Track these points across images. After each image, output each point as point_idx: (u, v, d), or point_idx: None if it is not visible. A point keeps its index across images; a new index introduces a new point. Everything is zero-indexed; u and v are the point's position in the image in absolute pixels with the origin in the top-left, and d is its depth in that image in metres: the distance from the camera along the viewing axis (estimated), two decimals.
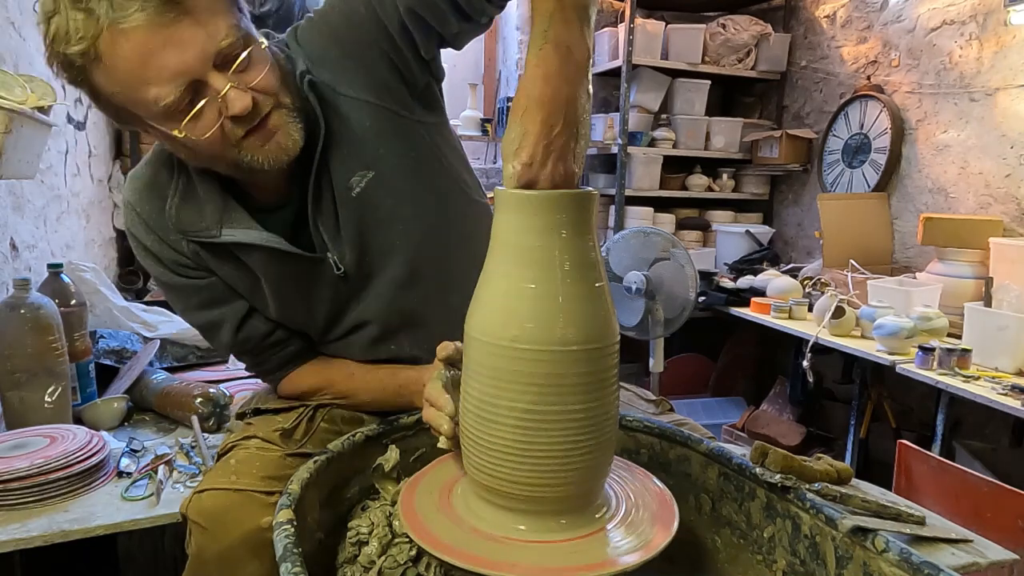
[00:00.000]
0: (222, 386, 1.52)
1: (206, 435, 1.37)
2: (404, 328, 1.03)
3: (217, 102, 0.80)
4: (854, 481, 1.10)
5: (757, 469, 0.83)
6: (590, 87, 0.69)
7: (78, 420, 1.40)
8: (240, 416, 1.10)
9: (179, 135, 0.82)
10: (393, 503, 0.82)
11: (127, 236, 1.02)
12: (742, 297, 2.97)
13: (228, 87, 0.79)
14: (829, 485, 0.99)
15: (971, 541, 1.00)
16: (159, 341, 1.86)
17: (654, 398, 1.23)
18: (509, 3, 0.94)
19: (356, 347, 1.05)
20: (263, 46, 0.85)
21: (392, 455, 0.86)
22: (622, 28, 3.38)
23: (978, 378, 1.97)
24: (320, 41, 0.94)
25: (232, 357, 1.15)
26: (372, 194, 0.95)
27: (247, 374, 1.83)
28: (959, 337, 2.18)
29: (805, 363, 2.47)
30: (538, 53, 0.66)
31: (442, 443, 0.80)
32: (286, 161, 0.87)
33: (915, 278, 2.66)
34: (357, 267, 0.98)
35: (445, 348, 0.84)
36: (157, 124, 0.82)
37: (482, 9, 0.90)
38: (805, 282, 2.99)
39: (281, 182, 0.96)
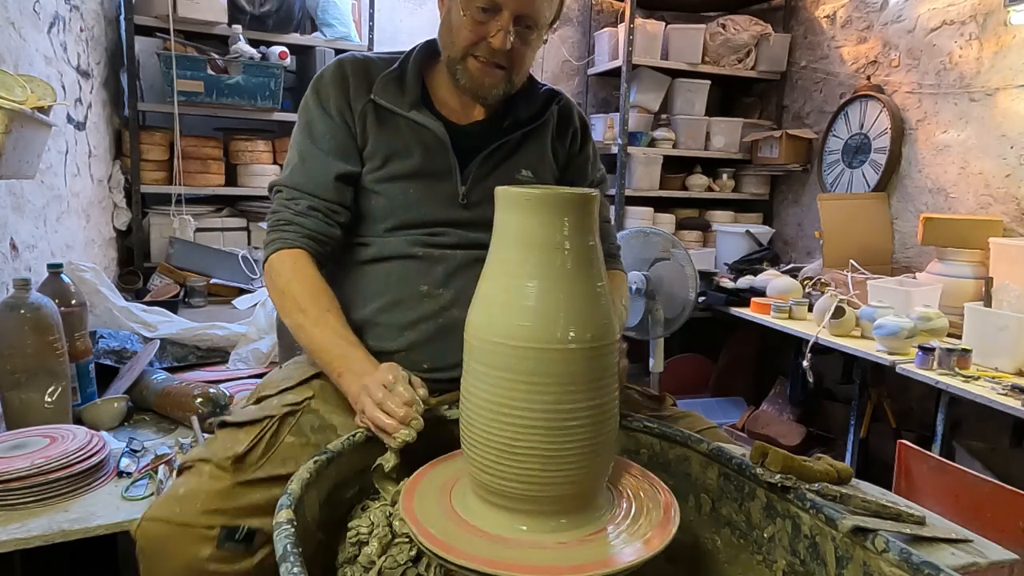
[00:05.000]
0: (222, 386, 1.52)
1: (206, 435, 1.37)
2: (453, 292, 1.15)
3: (491, 26, 1.07)
4: (854, 481, 1.10)
5: (757, 469, 0.83)
6: None
7: (78, 420, 1.40)
8: (222, 424, 1.06)
9: (463, 13, 1.08)
10: (393, 503, 0.82)
11: (315, 79, 1.20)
12: (742, 297, 2.96)
13: (503, 28, 1.07)
14: (829, 485, 0.99)
15: (971, 541, 0.99)
16: (159, 341, 1.86)
17: (656, 394, 1.23)
18: None
19: (402, 266, 1.16)
20: (545, 41, 1.17)
21: (392, 455, 0.85)
22: (622, 28, 3.38)
23: (978, 378, 1.97)
24: (583, 127, 1.33)
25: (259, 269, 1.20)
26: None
27: (247, 374, 1.84)
28: (959, 337, 2.18)
29: (805, 363, 2.46)
30: None
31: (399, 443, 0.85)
32: (473, 96, 1.16)
33: (915, 278, 2.66)
34: (478, 206, 1.17)
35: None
36: None
37: None
38: (805, 282, 2.99)
39: (474, 110, 1.22)
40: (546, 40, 1.18)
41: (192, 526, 0.88)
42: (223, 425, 1.02)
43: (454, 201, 1.18)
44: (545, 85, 1.29)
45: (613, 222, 3.47)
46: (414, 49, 1.21)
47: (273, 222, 1.17)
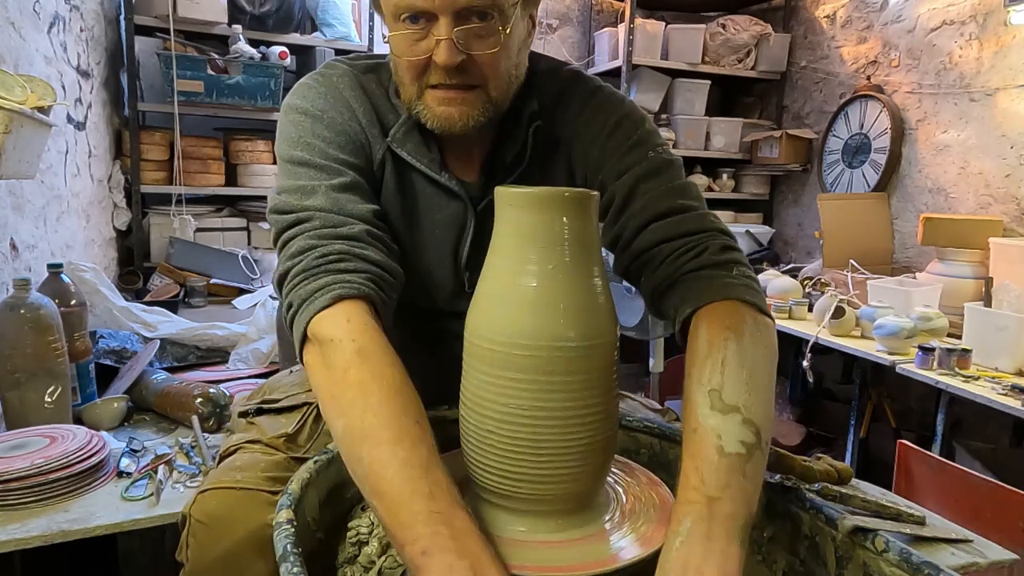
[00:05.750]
0: (222, 386, 1.52)
1: (206, 435, 1.37)
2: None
3: (431, 41, 0.81)
4: (854, 481, 1.10)
5: None
6: None
7: (78, 420, 1.40)
8: (243, 414, 1.09)
9: (389, 35, 0.84)
10: None
11: (303, 110, 0.90)
12: None
13: (446, 37, 0.79)
14: (829, 485, 0.99)
15: (971, 541, 1.00)
16: (159, 341, 1.86)
17: (659, 407, 1.21)
18: None
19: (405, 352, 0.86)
20: (508, 32, 0.82)
21: None
22: (622, 28, 3.39)
23: (978, 378, 1.97)
24: (588, 123, 0.95)
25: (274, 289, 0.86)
26: None
27: (247, 374, 1.84)
28: (959, 337, 2.18)
29: (805, 363, 2.46)
30: None
31: None
32: (447, 132, 0.86)
33: (915, 278, 2.66)
34: None
35: None
36: (386, 12, 0.83)
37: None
38: (805, 282, 2.99)
39: (471, 169, 0.96)
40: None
41: (258, 490, 0.85)
42: (259, 412, 1.02)
43: (460, 289, 0.95)
44: (533, 104, 0.94)
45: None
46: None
47: (318, 263, 0.77)
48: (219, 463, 0.96)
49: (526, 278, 0.69)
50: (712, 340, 0.73)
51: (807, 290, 2.93)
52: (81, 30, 2.40)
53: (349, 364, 0.70)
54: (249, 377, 1.82)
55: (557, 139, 0.96)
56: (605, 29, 3.59)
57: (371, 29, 3.22)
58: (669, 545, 0.62)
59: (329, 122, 0.89)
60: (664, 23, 3.50)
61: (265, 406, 1.05)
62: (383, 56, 0.97)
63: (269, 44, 2.98)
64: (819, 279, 2.94)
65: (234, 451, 0.96)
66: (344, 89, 0.92)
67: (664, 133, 3.54)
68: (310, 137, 0.88)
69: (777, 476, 0.81)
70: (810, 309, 2.69)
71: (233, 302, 2.72)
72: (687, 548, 0.60)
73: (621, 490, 0.79)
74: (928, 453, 1.71)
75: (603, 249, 0.82)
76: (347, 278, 0.76)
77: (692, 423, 0.68)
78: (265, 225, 3.03)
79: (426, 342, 0.96)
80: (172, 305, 2.48)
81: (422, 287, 0.95)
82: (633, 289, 2.58)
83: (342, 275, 0.76)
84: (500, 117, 0.90)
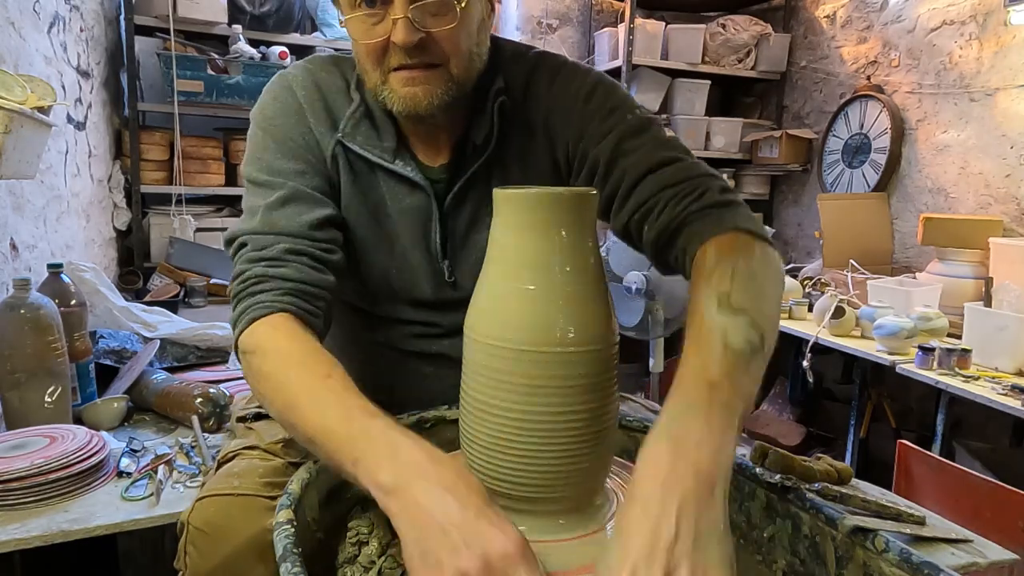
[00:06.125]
0: (222, 386, 1.52)
1: (206, 435, 1.37)
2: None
3: (387, 23, 0.82)
4: (854, 481, 1.10)
5: (757, 469, 0.83)
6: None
7: (78, 420, 1.40)
8: (241, 419, 1.08)
9: (345, 20, 0.85)
10: None
11: (261, 117, 0.93)
12: None
13: (402, 16, 0.80)
14: (829, 485, 0.99)
15: (971, 541, 1.00)
16: (159, 341, 1.86)
17: (659, 408, 1.20)
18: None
19: (393, 356, 0.98)
20: (464, 6, 0.82)
21: None
22: (622, 28, 3.39)
23: (978, 378, 1.97)
24: (561, 94, 0.94)
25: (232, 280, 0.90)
26: None
27: None
28: (959, 337, 2.18)
29: (805, 363, 2.46)
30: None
31: None
32: (413, 113, 0.87)
33: (915, 278, 2.66)
34: (467, 283, 0.91)
35: None
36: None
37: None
38: (805, 282, 2.99)
39: (439, 153, 0.96)
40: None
41: (256, 496, 0.85)
42: (257, 417, 1.02)
43: (441, 279, 0.96)
44: (499, 82, 0.93)
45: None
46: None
47: (239, 289, 0.85)
48: (217, 469, 0.96)
49: (524, 279, 0.69)
50: (721, 255, 0.73)
51: (807, 290, 2.93)
52: (81, 30, 2.40)
53: (260, 364, 0.80)
54: None
55: (532, 122, 0.95)
56: (605, 29, 3.59)
57: None
58: (667, 416, 0.61)
59: (275, 131, 0.92)
60: (664, 23, 3.50)
61: (263, 410, 1.04)
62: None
63: (269, 44, 2.98)
64: (819, 279, 2.94)
65: (232, 457, 0.96)
66: (297, 89, 0.94)
67: None
68: (260, 151, 0.92)
69: (777, 476, 0.81)
70: (810, 309, 2.69)
71: None
72: (686, 422, 0.59)
73: (620, 490, 0.80)
74: (928, 453, 1.71)
75: (599, 238, 0.81)
76: (262, 299, 0.82)
77: (697, 320, 0.66)
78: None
79: (421, 338, 0.98)
80: (172, 305, 2.48)
81: (403, 278, 0.96)
82: (633, 289, 2.59)
83: (256, 297, 0.83)
84: (466, 99, 0.91)
